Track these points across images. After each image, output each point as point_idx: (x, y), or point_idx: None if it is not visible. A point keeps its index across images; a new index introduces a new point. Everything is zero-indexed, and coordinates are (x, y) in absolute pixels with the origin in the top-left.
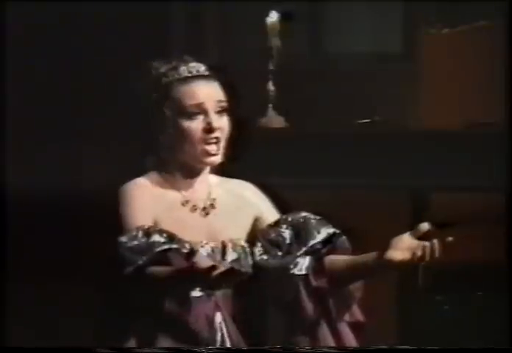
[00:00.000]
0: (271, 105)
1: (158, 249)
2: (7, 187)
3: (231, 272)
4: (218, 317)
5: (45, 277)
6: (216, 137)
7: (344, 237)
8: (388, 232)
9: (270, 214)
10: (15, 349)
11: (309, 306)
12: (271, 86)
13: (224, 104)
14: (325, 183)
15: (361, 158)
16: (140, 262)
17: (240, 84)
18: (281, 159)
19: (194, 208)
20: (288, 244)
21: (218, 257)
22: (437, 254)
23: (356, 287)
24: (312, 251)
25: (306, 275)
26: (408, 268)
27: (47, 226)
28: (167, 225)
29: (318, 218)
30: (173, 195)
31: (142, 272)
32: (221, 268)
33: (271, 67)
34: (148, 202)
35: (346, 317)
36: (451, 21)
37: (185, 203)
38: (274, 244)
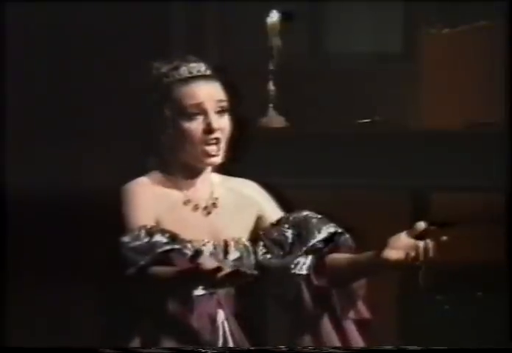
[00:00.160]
0: (271, 105)
1: (160, 250)
2: (7, 187)
3: (236, 274)
4: (221, 315)
5: (46, 277)
6: (216, 138)
7: (347, 236)
8: (389, 232)
9: (273, 212)
10: (15, 349)
11: (312, 305)
12: (271, 86)
13: (225, 104)
14: (325, 183)
15: (362, 158)
16: (143, 262)
17: (241, 84)
18: (281, 159)
19: (196, 207)
20: (290, 243)
21: (221, 255)
22: (431, 253)
23: (359, 285)
24: (313, 251)
25: (308, 274)
26: (408, 267)
27: (47, 226)
28: (169, 224)
29: (319, 216)
30: (175, 195)
31: (144, 272)
32: (227, 270)
33: (271, 67)
34: (151, 201)
35: (351, 314)
36: (451, 21)
37: (186, 202)
38: (276, 243)
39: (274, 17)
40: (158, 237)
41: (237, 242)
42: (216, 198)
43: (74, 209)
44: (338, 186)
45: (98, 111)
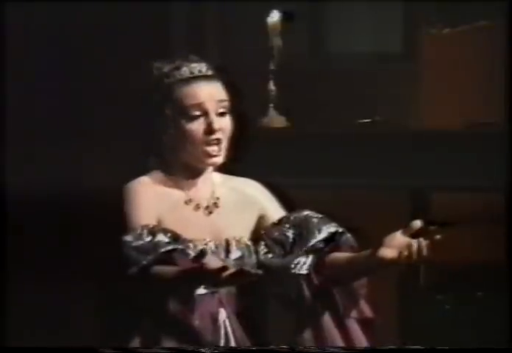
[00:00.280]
0: (272, 105)
1: (163, 250)
2: (7, 187)
3: (240, 273)
4: (222, 314)
5: (46, 277)
6: (217, 139)
7: (348, 235)
8: (389, 232)
9: (275, 212)
10: (15, 349)
11: (313, 304)
12: (271, 86)
13: (226, 104)
14: (326, 183)
15: (362, 158)
16: (145, 262)
17: (241, 84)
18: (282, 159)
19: (197, 207)
20: (291, 243)
21: (222, 255)
22: (426, 252)
23: (360, 284)
24: (314, 250)
25: (308, 274)
26: (403, 265)
27: (47, 226)
28: (170, 224)
29: (320, 216)
30: (176, 194)
31: (146, 272)
32: (231, 270)
33: (271, 67)
34: (152, 200)
35: (354, 314)
36: (451, 21)
37: (188, 202)
38: (277, 243)
39: (274, 17)
40: (160, 237)
41: (238, 241)
42: (217, 198)
43: (74, 209)
44: (338, 186)
45: (98, 111)
